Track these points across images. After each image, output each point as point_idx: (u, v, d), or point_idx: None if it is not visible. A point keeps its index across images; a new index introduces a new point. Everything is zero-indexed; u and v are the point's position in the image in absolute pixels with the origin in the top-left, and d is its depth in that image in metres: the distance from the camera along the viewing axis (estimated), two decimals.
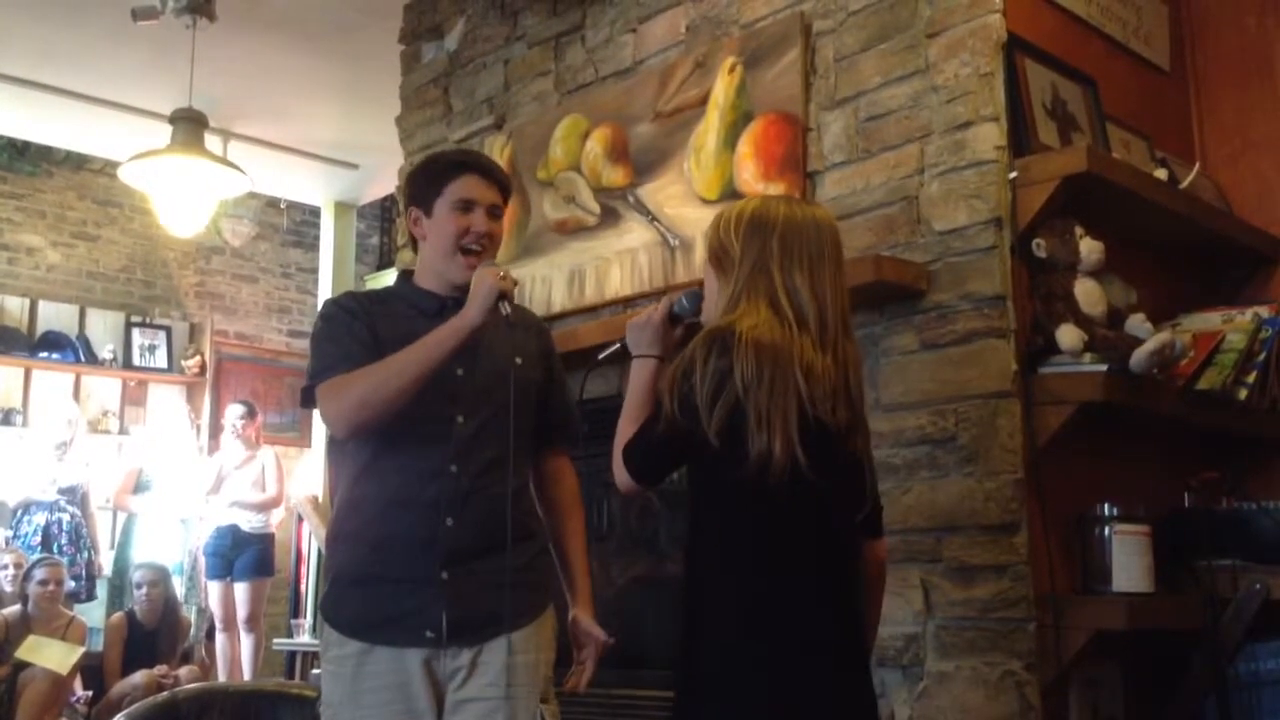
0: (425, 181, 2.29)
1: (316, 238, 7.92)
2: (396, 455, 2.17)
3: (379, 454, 2.18)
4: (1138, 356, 2.61)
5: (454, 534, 2.14)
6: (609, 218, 3.59)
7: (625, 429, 2.05)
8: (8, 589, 5.72)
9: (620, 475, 2.02)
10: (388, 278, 7.95)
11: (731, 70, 3.27)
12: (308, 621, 6.56)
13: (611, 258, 3.55)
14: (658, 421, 1.93)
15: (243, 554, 6.50)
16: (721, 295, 1.99)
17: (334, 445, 2.29)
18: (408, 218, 2.34)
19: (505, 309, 2.10)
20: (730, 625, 1.88)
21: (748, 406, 1.82)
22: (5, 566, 5.77)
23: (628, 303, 3.49)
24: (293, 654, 6.47)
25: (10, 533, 6.53)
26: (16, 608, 5.39)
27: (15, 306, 7.61)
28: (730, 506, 1.91)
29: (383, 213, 9.01)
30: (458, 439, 2.17)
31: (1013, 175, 2.69)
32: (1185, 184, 3.08)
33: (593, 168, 3.65)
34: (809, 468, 1.83)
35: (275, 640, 6.73)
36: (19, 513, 6.55)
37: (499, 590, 2.13)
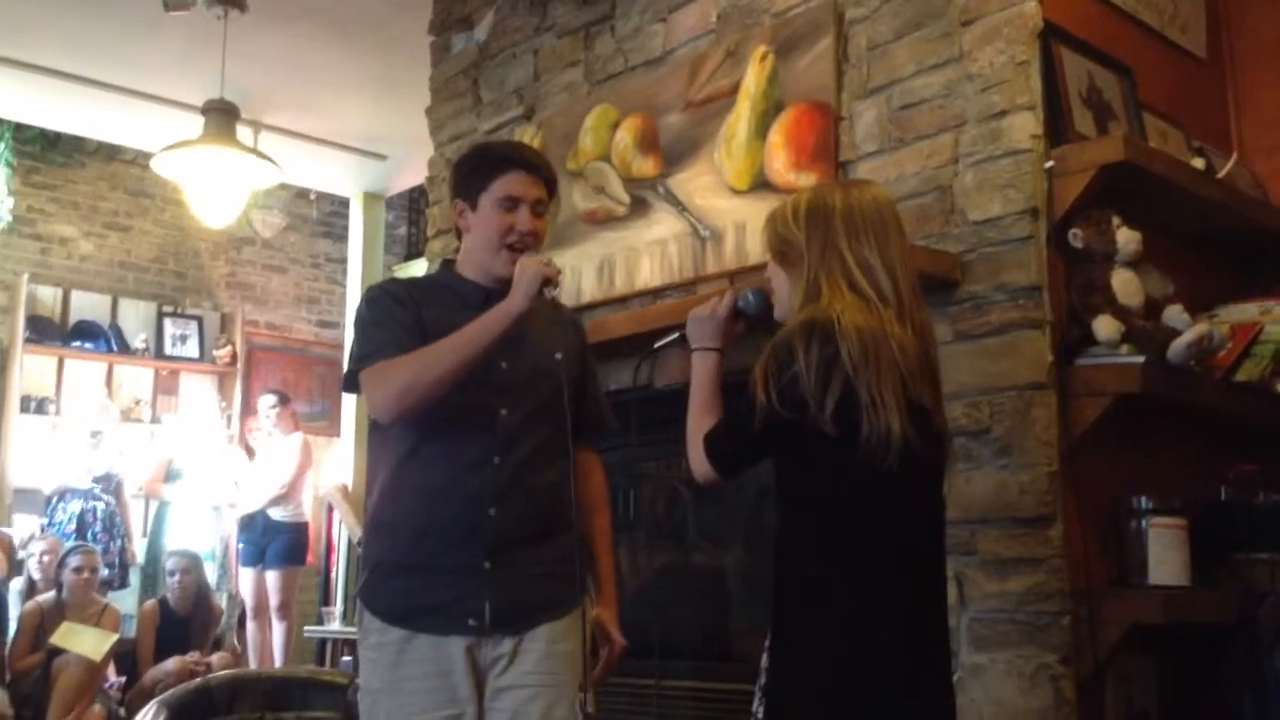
0: (471, 175, 2.28)
1: (345, 228, 7.95)
2: (440, 445, 2.17)
3: (422, 443, 2.18)
4: (1175, 348, 2.58)
5: (497, 524, 2.15)
6: (639, 208, 3.58)
7: (700, 422, 2.06)
8: (37, 576, 5.77)
9: (702, 468, 2.03)
10: (416, 268, 8.00)
11: (763, 59, 3.25)
12: (338, 609, 6.60)
13: (641, 248, 3.55)
14: (750, 414, 1.93)
15: (274, 542, 6.53)
16: (796, 287, 2.00)
17: (375, 433, 2.29)
18: (452, 208, 2.33)
19: (549, 293, 2.11)
20: (859, 609, 1.89)
21: (859, 389, 1.85)
22: (40, 554, 5.83)
23: (657, 294, 3.48)
24: (323, 641, 6.52)
25: (46, 520, 6.60)
26: (51, 595, 5.45)
27: (48, 296, 7.68)
28: (846, 489, 1.92)
29: (411, 203, 9.02)
30: (501, 431, 2.18)
31: (1049, 165, 2.67)
32: (1223, 173, 3.05)
33: (622, 158, 3.64)
34: (916, 442, 1.88)
35: (306, 628, 6.77)
36: (54, 500, 6.63)
37: (541, 580, 2.15)
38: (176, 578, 5.83)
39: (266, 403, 6.81)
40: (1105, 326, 2.59)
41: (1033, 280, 2.63)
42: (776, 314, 2.10)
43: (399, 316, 2.19)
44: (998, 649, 2.59)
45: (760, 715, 1.98)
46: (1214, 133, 3.34)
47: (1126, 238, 2.67)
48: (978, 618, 2.63)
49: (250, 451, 7.28)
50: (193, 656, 5.58)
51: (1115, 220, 2.68)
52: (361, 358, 2.18)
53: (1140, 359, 2.56)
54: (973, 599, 2.64)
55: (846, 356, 1.84)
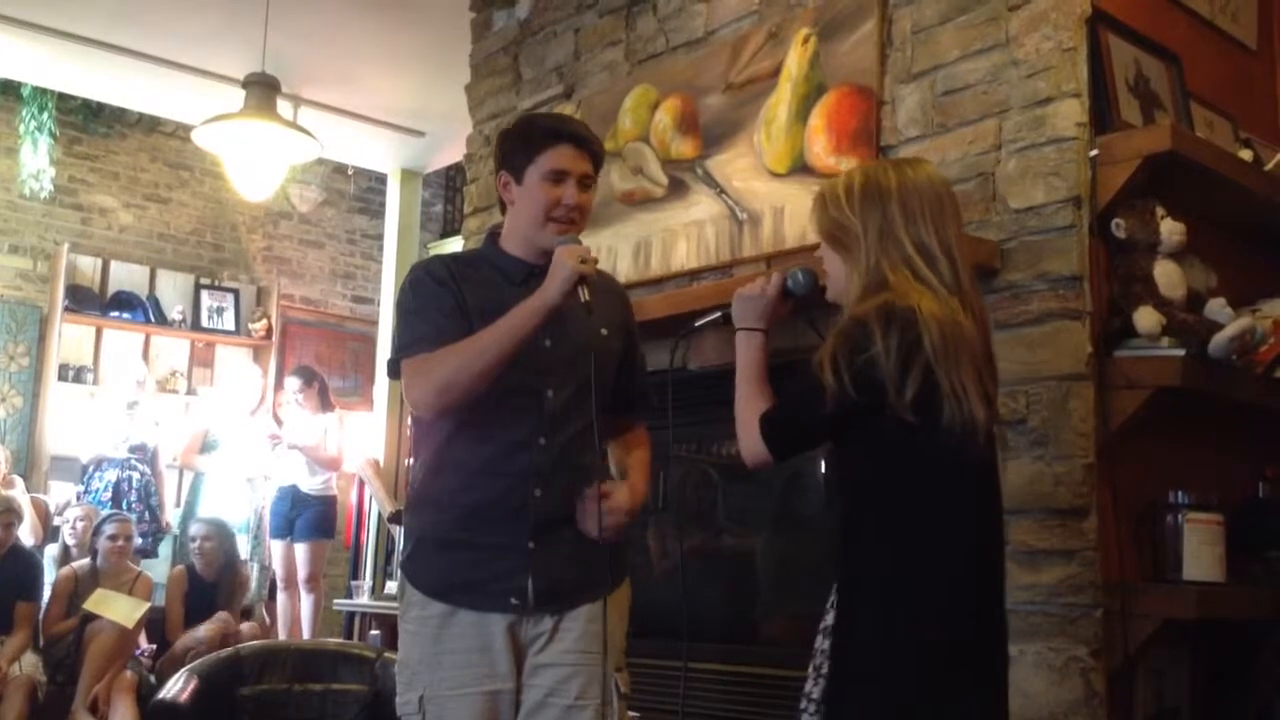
0: (517, 148, 2.25)
1: (382, 205, 7.97)
2: (486, 425, 2.16)
3: (468, 422, 2.17)
4: (1217, 341, 2.55)
5: (542, 504, 2.15)
6: (677, 189, 3.57)
7: (751, 403, 2.02)
8: (71, 543, 5.84)
9: (755, 449, 1.99)
10: (451, 245, 7.99)
11: (805, 41, 3.23)
12: (367, 583, 6.64)
13: (678, 230, 3.54)
14: (814, 397, 1.88)
15: (302, 515, 6.58)
16: (854, 272, 1.95)
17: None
18: (496, 180, 2.30)
19: (584, 295, 2.08)
20: (939, 593, 1.86)
21: (940, 378, 1.82)
22: (75, 520, 5.89)
23: (694, 275, 3.47)
24: (352, 614, 6.56)
25: (81, 488, 6.68)
26: (86, 561, 5.50)
27: (88, 266, 7.75)
28: (923, 477, 1.89)
29: (447, 181, 9.04)
30: (547, 411, 2.17)
31: (1094, 153, 2.64)
32: (1270, 166, 3.00)
33: (661, 139, 3.63)
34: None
35: (335, 601, 6.82)
36: (90, 469, 6.69)
37: (584, 559, 2.14)
38: (198, 544, 5.85)
39: (292, 385, 6.82)
40: (1146, 318, 2.56)
41: (1074, 270, 2.60)
42: (830, 296, 2.05)
43: (439, 301, 2.18)
44: (1028, 640, 2.57)
45: (815, 696, 1.95)
46: (1263, 124, 3.30)
47: (1170, 229, 2.63)
48: (1009, 609, 2.60)
49: (280, 424, 7.31)
50: (223, 615, 5.60)
51: (1159, 211, 2.65)
52: (402, 348, 2.18)
53: (1181, 352, 2.54)
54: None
55: (929, 345, 1.81)
